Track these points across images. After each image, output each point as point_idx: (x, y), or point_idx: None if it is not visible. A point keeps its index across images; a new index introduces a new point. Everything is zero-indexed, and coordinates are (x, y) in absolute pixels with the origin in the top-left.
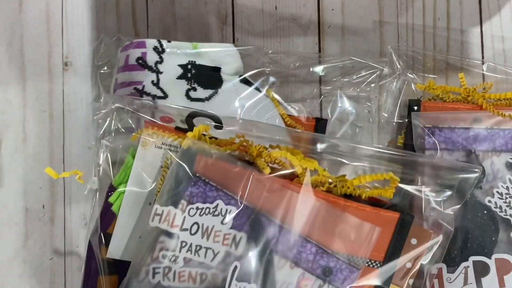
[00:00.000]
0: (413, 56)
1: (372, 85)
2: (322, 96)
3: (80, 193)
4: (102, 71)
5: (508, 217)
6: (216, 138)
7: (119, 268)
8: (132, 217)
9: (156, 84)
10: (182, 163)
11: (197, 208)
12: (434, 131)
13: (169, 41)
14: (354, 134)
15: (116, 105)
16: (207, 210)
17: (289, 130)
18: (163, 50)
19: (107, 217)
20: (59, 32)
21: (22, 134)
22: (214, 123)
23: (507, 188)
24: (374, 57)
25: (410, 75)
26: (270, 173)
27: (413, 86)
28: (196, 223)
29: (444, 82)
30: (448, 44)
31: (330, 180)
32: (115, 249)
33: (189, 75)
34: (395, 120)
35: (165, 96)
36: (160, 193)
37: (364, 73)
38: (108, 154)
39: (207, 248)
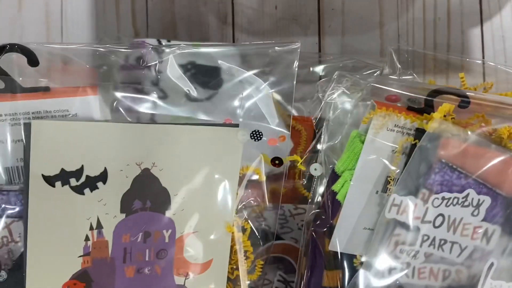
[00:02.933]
0: (414, 55)
1: None
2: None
3: None
4: (102, 71)
5: None
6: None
7: (342, 262)
8: (358, 207)
9: (156, 84)
10: (427, 148)
11: (443, 198)
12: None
13: (168, 41)
14: None
15: (344, 85)
16: (455, 200)
17: None
18: (163, 50)
19: (332, 207)
20: (58, 32)
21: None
22: (461, 100)
23: None
24: (374, 57)
25: (410, 75)
26: None
27: None
28: (441, 214)
29: (444, 82)
30: (449, 43)
31: None
32: (339, 242)
33: (189, 75)
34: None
35: (165, 96)
36: (399, 181)
37: (364, 73)
38: (327, 138)
39: (453, 243)
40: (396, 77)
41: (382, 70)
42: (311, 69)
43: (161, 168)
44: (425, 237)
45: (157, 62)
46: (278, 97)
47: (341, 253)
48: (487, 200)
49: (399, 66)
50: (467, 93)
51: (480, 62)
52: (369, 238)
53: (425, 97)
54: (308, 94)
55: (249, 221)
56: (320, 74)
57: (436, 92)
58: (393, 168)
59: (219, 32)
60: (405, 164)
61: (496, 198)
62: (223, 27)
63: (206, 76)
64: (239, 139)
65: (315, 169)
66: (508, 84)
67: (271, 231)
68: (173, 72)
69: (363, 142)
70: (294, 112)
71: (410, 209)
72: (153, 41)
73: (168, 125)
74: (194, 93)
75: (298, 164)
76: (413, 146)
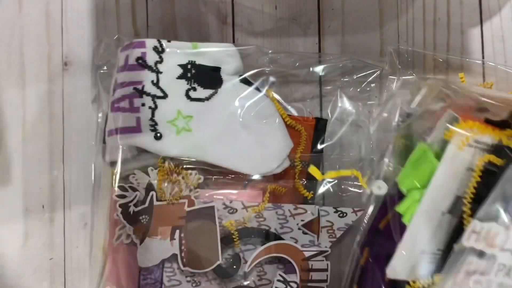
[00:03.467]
0: (413, 55)
1: (372, 85)
2: (322, 96)
3: (80, 194)
4: (102, 71)
5: None
6: None
7: None
8: (425, 230)
9: (156, 84)
10: None
11: None
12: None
13: (169, 41)
14: (354, 134)
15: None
16: None
17: None
18: (163, 50)
19: (396, 230)
20: (58, 32)
21: (22, 135)
22: None
23: None
24: (374, 57)
25: (410, 75)
26: None
27: None
28: None
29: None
30: (448, 44)
31: None
32: (401, 268)
33: (189, 75)
34: (395, 120)
35: (165, 96)
36: (483, 207)
37: (364, 73)
38: (393, 151)
39: None
40: (477, 86)
41: (382, 70)
42: (311, 69)
43: None
44: (501, 266)
45: (157, 62)
46: (277, 97)
47: (396, 281)
48: None
49: (399, 66)
50: None
51: (480, 62)
52: (432, 263)
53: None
54: (308, 94)
55: None
56: (320, 74)
57: None
58: (468, 189)
59: (219, 32)
60: (478, 183)
61: None
62: (223, 27)
63: (206, 76)
64: None
65: (379, 188)
66: (508, 84)
67: (272, 231)
68: (173, 72)
69: (437, 158)
70: (294, 112)
71: (491, 236)
72: (153, 41)
73: None
74: (194, 93)
75: (361, 183)
76: (491, 164)
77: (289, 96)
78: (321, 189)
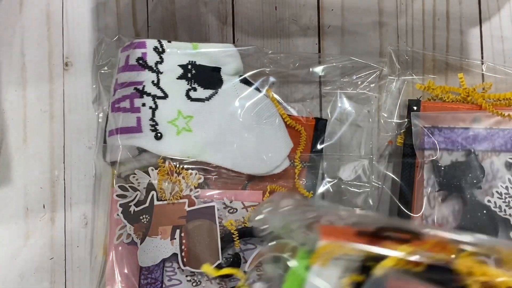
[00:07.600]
0: (413, 56)
1: (372, 85)
2: (322, 96)
3: (80, 193)
4: (102, 71)
5: (507, 216)
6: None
7: None
8: None
9: (156, 84)
10: None
11: None
12: (434, 131)
13: (169, 41)
14: (354, 134)
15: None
16: None
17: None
18: (163, 50)
19: None
20: (59, 33)
21: (22, 134)
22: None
23: (507, 188)
24: (374, 57)
25: (409, 75)
26: None
27: (412, 86)
28: None
29: (443, 82)
30: (448, 44)
31: None
32: None
33: (189, 75)
34: (394, 120)
35: (165, 96)
36: None
37: (364, 73)
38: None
39: None
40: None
41: (382, 71)
42: (311, 69)
43: None
44: None
45: (157, 62)
46: (277, 97)
47: None
48: None
49: (398, 66)
50: (423, 231)
51: (479, 62)
52: None
53: (375, 231)
54: (308, 94)
55: None
56: (320, 74)
57: (382, 230)
58: None
59: (219, 32)
60: None
61: None
62: (223, 27)
63: (206, 76)
64: None
65: None
66: (507, 84)
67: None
68: (173, 72)
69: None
70: (294, 112)
71: None
72: (153, 42)
73: None
74: (194, 93)
75: (240, 284)
76: (355, 283)
77: (289, 96)
78: (321, 189)
